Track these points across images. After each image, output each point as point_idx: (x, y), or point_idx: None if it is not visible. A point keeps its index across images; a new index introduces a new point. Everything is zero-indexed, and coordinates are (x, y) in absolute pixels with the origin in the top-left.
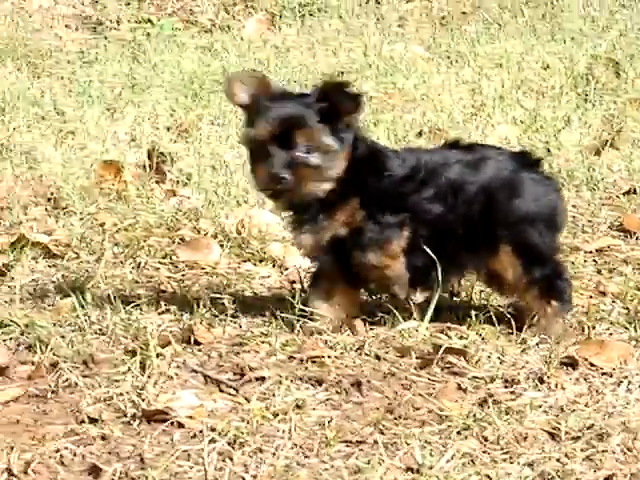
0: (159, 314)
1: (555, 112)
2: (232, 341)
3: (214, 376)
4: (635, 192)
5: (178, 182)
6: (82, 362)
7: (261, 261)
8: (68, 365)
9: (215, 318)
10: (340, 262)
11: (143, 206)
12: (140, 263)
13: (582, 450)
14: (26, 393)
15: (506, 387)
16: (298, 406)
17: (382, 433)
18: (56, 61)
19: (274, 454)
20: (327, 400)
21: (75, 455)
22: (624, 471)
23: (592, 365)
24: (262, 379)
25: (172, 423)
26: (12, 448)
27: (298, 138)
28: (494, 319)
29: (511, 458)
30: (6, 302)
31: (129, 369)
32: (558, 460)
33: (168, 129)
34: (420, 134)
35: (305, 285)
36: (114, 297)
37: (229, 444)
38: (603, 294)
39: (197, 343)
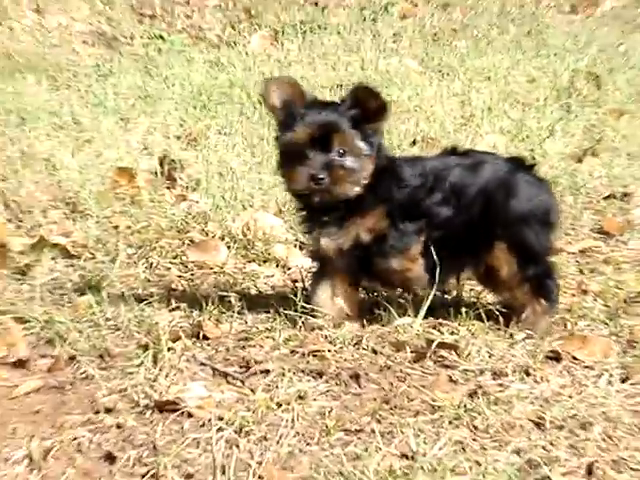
0: (170, 311)
1: (540, 122)
2: (238, 336)
3: (221, 369)
4: (615, 197)
5: (187, 187)
6: (98, 356)
7: (265, 261)
8: (85, 358)
9: (222, 315)
10: (352, 263)
11: (155, 210)
12: (152, 263)
13: (566, 438)
14: (46, 385)
15: (494, 379)
16: (300, 397)
17: (379, 422)
18: (73, 74)
19: (278, 442)
20: (327, 391)
21: (92, 443)
22: (605, 458)
23: (575, 359)
24: (266, 372)
25: (182, 413)
26: (32, 436)
27: (334, 142)
28: (483, 316)
29: (499, 446)
30: (27, 299)
31: (142, 362)
32: (543, 448)
33: (178, 138)
34: (414, 143)
35: (307, 284)
36: (128, 295)
37: (236, 432)
38: (585, 292)
39: (206, 338)
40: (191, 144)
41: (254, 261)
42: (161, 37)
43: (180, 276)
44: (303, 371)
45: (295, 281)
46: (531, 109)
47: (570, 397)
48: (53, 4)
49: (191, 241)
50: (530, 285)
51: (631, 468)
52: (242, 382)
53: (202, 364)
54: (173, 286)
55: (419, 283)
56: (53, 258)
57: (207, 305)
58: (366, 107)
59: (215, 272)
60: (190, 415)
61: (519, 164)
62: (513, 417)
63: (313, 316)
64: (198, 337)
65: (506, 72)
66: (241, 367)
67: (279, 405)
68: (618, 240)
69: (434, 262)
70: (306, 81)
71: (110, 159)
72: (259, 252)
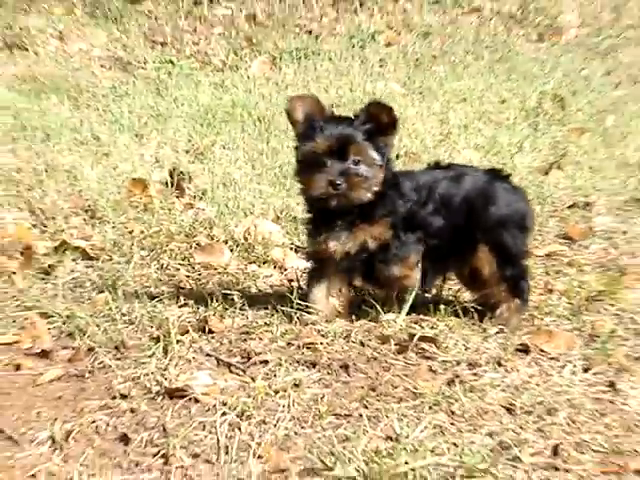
0: (179, 307)
1: (510, 139)
2: (240, 330)
3: (225, 359)
4: (577, 206)
5: (195, 197)
6: (114, 347)
7: (264, 263)
8: (102, 350)
9: (226, 311)
10: (353, 266)
11: (165, 217)
12: (163, 264)
13: (534, 422)
14: (67, 373)
15: (470, 369)
16: (295, 385)
17: (366, 408)
18: (92, 95)
19: (275, 425)
20: (320, 380)
21: (108, 425)
22: (569, 440)
23: (542, 351)
24: (265, 362)
25: (190, 399)
26: (55, 419)
27: (350, 152)
28: (460, 312)
29: (474, 429)
30: (50, 297)
31: (154, 353)
32: (514, 431)
33: (186, 152)
34: (397, 157)
35: (302, 283)
36: (141, 293)
37: (238, 416)
38: (551, 291)
39: (211, 332)
40: (198, 158)
41: (254, 263)
42: (171, 62)
43: (188, 276)
44: (298, 361)
45: (291, 281)
46: (502, 127)
47: (538, 385)
48: (74, 32)
49: (198, 244)
50: (507, 285)
51: (592, 449)
52: (243, 371)
53: (208, 355)
54: (182, 285)
55: (414, 286)
56: (74, 260)
57: (212, 302)
58: (378, 121)
59: (219, 272)
60: (197, 401)
61: (496, 175)
62: (486, 403)
63: (307, 312)
64: (204, 331)
65: (480, 94)
66: (242, 358)
67: (277, 392)
68: (580, 245)
69: (426, 266)
70: None
71: (125, 171)
72: (259, 255)
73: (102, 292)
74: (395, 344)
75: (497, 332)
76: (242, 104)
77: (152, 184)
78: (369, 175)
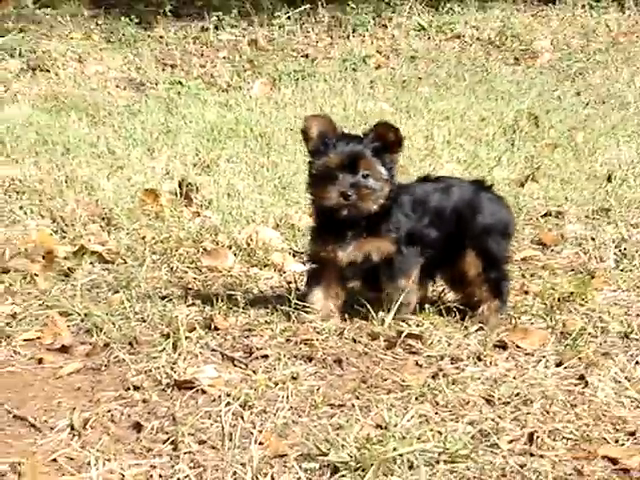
0: (187, 306)
1: (489, 154)
2: (243, 327)
3: (229, 354)
4: (550, 215)
5: (202, 206)
6: (128, 343)
7: (265, 266)
8: (117, 345)
9: (230, 310)
10: (356, 274)
11: (175, 224)
12: (172, 267)
13: (511, 412)
14: (85, 367)
15: (452, 363)
16: (293, 377)
17: (358, 398)
18: (109, 113)
19: (275, 414)
20: (316, 373)
21: (122, 414)
22: (544, 429)
23: (518, 347)
24: (266, 357)
25: (197, 390)
26: (74, 409)
27: (360, 166)
28: (443, 311)
29: (457, 418)
30: (70, 297)
31: (164, 348)
32: (492, 420)
33: (194, 165)
34: None
35: (299, 285)
36: (153, 293)
37: (241, 406)
38: (526, 293)
39: (216, 329)
40: (205, 170)
41: (256, 266)
42: (180, 82)
43: (195, 278)
44: (296, 356)
45: (289, 283)
46: (482, 143)
47: (514, 378)
48: (92, 55)
49: (204, 249)
50: (489, 286)
51: (564, 437)
52: (246, 365)
53: (213, 350)
54: (190, 286)
55: (411, 293)
56: (91, 263)
57: (217, 302)
58: (385, 140)
59: (224, 275)
60: (203, 392)
61: (481, 185)
62: (468, 395)
63: (305, 311)
64: (210, 328)
65: (462, 112)
66: (245, 353)
67: (276, 384)
68: (553, 250)
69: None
70: (299, 119)
71: (138, 182)
72: (260, 259)
73: (117, 292)
74: (384, 340)
75: (477, 330)
76: (245, 121)
77: (163, 194)
78: (377, 188)
